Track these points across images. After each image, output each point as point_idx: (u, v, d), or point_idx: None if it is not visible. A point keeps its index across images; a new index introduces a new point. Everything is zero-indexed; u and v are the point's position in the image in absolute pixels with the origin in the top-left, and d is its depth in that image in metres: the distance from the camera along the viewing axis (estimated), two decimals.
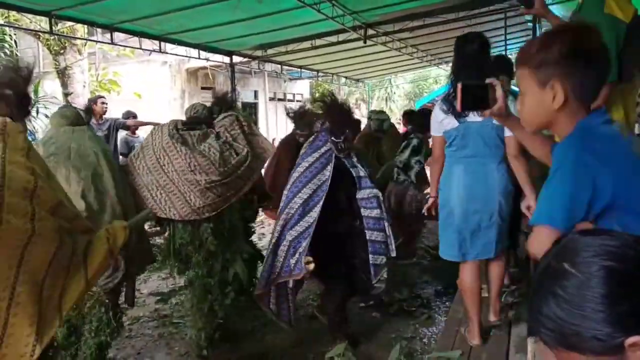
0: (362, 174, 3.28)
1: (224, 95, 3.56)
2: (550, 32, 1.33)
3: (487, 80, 1.49)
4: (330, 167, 3.21)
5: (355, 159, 3.32)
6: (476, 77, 2.41)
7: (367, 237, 3.25)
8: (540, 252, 0.88)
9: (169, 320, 4.12)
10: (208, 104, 3.58)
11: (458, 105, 1.51)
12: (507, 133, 2.62)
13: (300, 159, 3.32)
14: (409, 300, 4.28)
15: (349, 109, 3.42)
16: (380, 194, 3.31)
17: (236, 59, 9.60)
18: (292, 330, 3.51)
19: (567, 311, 0.76)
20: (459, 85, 1.48)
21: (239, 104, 12.57)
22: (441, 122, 2.81)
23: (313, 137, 3.39)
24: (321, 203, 3.15)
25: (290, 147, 4.40)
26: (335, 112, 3.28)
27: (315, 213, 3.14)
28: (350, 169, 3.26)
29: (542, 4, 2.47)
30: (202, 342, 3.30)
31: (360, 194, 3.26)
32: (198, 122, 3.32)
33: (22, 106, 1.85)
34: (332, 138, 3.22)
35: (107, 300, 2.82)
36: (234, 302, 3.41)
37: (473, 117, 2.70)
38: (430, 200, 3.11)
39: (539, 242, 1.20)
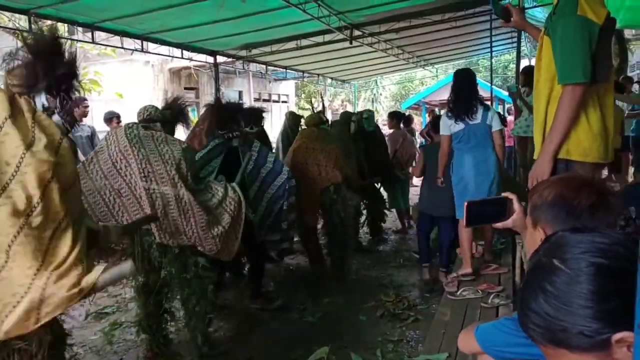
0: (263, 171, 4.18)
1: (174, 101, 3.48)
2: (552, 179, 1.40)
3: (504, 194, 1.59)
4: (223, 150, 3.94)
5: (256, 149, 4.18)
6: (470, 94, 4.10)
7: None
8: None
9: None
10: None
11: (465, 221, 1.60)
12: (494, 129, 4.07)
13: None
14: (395, 303, 4.25)
15: (235, 109, 4.13)
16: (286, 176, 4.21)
17: (220, 59, 9.51)
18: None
19: (555, 307, 0.78)
20: (465, 204, 1.56)
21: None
22: (450, 126, 4.11)
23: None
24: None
25: None
26: (220, 113, 4.05)
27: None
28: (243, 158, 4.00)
29: (520, 16, 2.62)
30: (199, 341, 3.26)
31: (277, 181, 4.18)
32: (153, 122, 3.23)
33: None
34: (219, 131, 3.98)
35: None
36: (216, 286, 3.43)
37: (472, 120, 4.03)
38: (439, 181, 4.40)
39: None
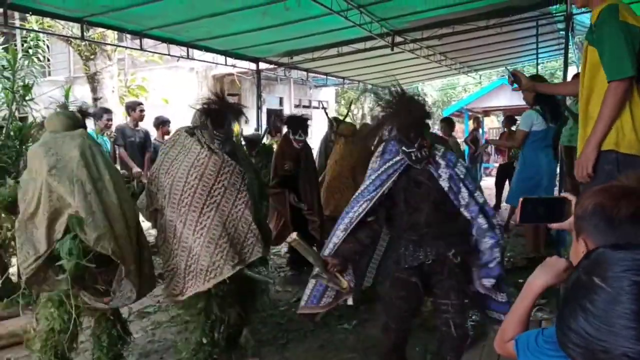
0: (470, 187, 2.58)
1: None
2: (595, 189, 1.32)
3: (563, 194, 1.54)
4: (391, 180, 2.57)
5: (445, 168, 2.56)
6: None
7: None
8: None
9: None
10: None
11: (518, 217, 1.53)
12: None
13: (368, 174, 2.70)
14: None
15: (421, 107, 2.60)
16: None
17: (262, 65, 9.65)
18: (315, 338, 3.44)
19: (596, 326, 0.75)
20: (520, 200, 1.49)
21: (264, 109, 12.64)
22: (532, 124, 4.67)
23: (382, 147, 2.74)
24: (363, 207, 2.57)
25: (285, 151, 5.01)
26: (403, 116, 2.53)
27: (352, 213, 2.59)
28: (440, 182, 2.54)
29: (527, 80, 3.19)
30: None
31: (479, 219, 2.56)
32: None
33: None
34: (403, 148, 2.54)
35: (111, 317, 2.98)
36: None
37: (554, 124, 4.73)
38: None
39: None
